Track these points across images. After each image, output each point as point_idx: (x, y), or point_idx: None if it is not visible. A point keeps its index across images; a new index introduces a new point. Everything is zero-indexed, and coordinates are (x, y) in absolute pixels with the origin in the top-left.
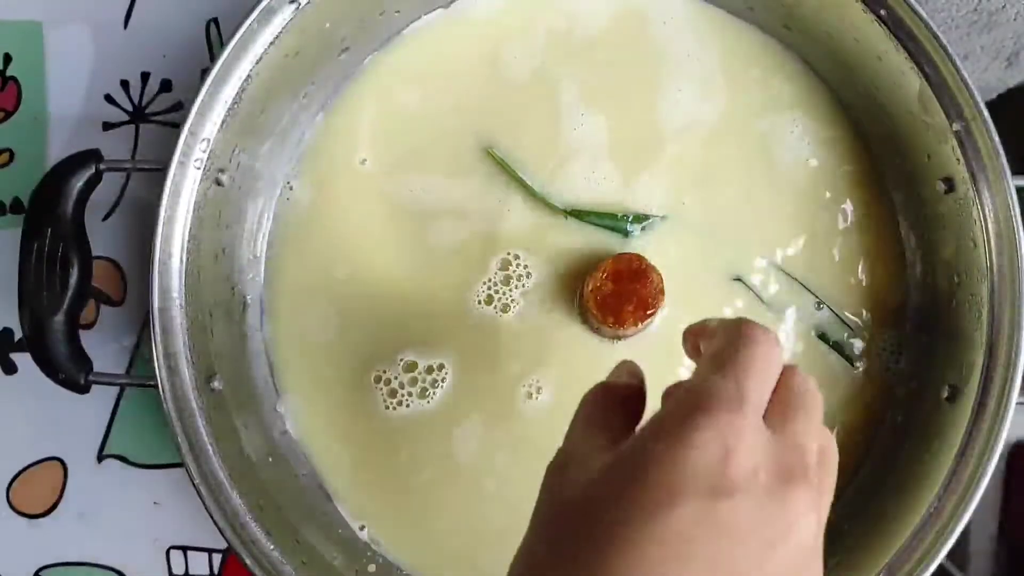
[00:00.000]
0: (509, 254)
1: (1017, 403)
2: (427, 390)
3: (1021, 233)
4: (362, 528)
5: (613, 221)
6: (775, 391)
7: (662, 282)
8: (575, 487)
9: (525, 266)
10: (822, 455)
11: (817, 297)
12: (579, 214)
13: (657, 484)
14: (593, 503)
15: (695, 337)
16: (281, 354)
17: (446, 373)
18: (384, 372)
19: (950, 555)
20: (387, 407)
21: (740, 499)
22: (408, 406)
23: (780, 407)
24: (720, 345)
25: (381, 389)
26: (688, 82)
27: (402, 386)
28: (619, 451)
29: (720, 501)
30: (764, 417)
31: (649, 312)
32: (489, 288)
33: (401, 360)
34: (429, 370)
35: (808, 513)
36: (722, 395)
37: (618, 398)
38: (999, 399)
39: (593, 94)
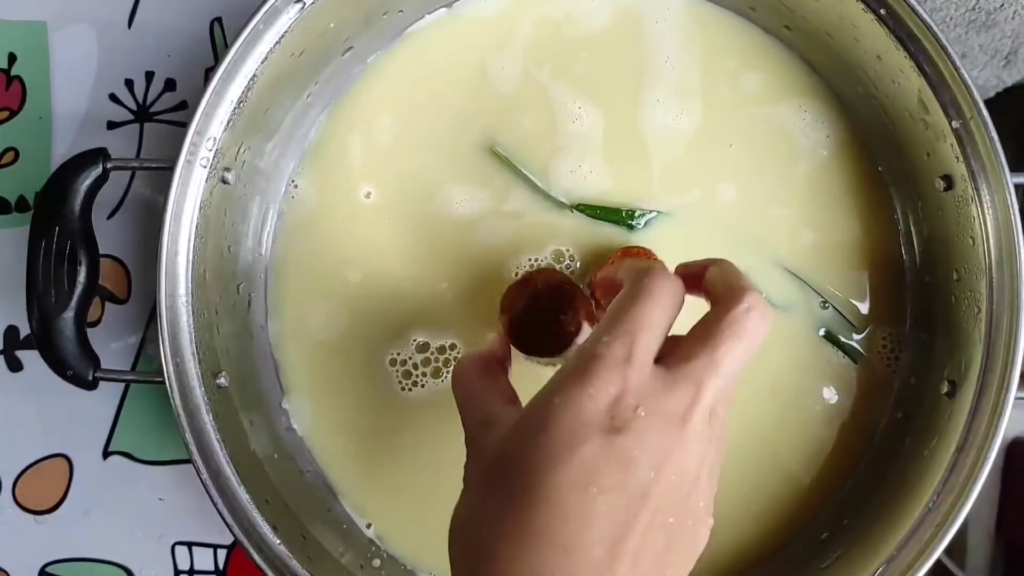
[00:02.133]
0: (567, 251)
1: (1016, 398)
2: (440, 370)
3: (1019, 230)
4: (368, 526)
5: (619, 216)
6: (697, 326)
7: None
8: (493, 445)
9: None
10: (721, 395)
11: (820, 295)
12: (585, 209)
13: (558, 432)
14: (509, 457)
15: (603, 287)
16: (286, 352)
17: (458, 352)
18: (398, 354)
19: (947, 550)
20: (403, 388)
21: (627, 435)
22: (423, 386)
23: (687, 344)
24: (620, 301)
25: (396, 371)
26: (688, 81)
27: (415, 367)
28: (525, 409)
29: (612, 439)
30: (671, 352)
31: None
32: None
33: (414, 341)
34: (441, 350)
35: (687, 445)
36: (608, 359)
37: (493, 361)
38: (997, 394)
39: (594, 90)
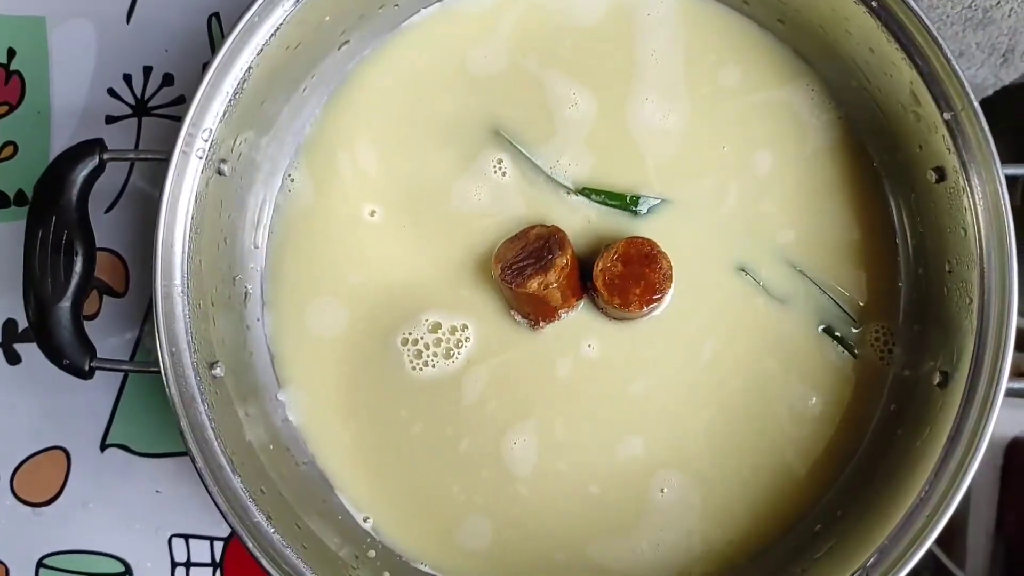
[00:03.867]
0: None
1: (1008, 388)
2: (451, 351)
3: (1010, 221)
4: (366, 519)
5: (622, 201)
6: None
7: (671, 269)
8: None
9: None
10: None
11: (820, 288)
12: (590, 193)
13: None
14: None
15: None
16: (282, 344)
17: (469, 333)
18: (410, 334)
19: (947, 551)
20: (413, 368)
21: None
22: (434, 366)
23: None
24: None
25: (408, 350)
26: (686, 75)
27: (427, 347)
28: None
29: None
30: None
31: (655, 297)
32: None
33: (426, 321)
34: (453, 330)
35: None
36: None
37: None
38: (989, 384)
39: (589, 79)
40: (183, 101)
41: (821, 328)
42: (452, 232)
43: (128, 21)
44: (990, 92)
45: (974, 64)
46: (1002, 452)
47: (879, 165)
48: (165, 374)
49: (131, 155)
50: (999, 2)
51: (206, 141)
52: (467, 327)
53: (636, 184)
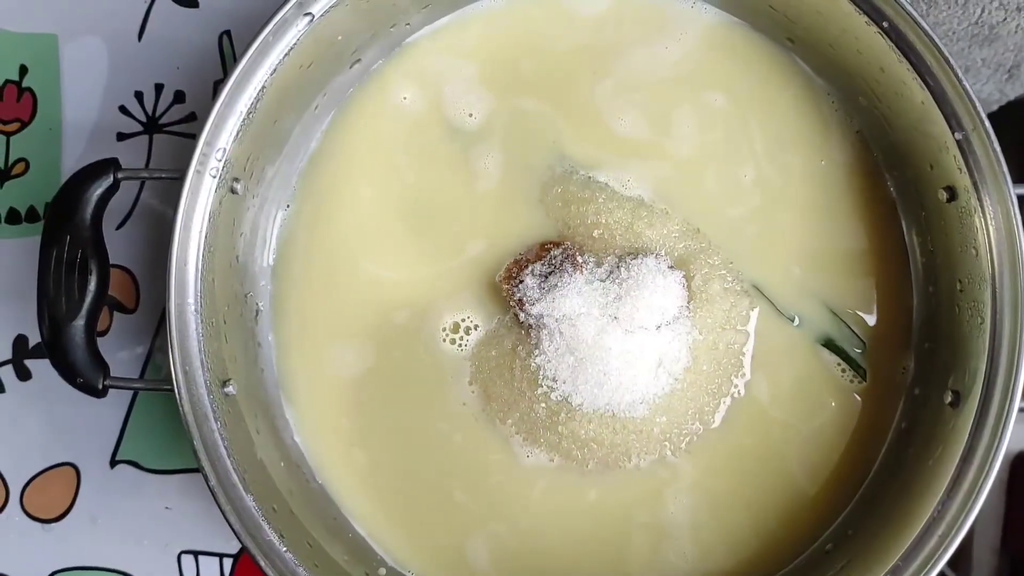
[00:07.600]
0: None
1: (1020, 409)
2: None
3: (1022, 240)
4: (374, 537)
5: None
6: None
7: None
8: None
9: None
10: None
11: (830, 307)
12: None
13: None
14: None
15: None
16: (289, 362)
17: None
18: (419, 350)
19: (953, 565)
20: (449, 343)
21: None
22: (445, 383)
23: None
24: None
25: (417, 367)
26: (698, 94)
27: (436, 364)
28: None
29: None
30: None
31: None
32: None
33: (434, 336)
34: (462, 347)
35: None
36: None
37: None
38: (1001, 404)
39: (596, 94)
40: (194, 118)
41: (830, 347)
42: (460, 248)
43: (140, 39)
44: (995, 108)
45: (980, 80)
46: (1007, 467)
47: (890, 184)
48: (179, 393)
49: (144, 174)
50: (1005, 19)
51: (219, 160)
52: (478, 344)
53: (650, 188)
